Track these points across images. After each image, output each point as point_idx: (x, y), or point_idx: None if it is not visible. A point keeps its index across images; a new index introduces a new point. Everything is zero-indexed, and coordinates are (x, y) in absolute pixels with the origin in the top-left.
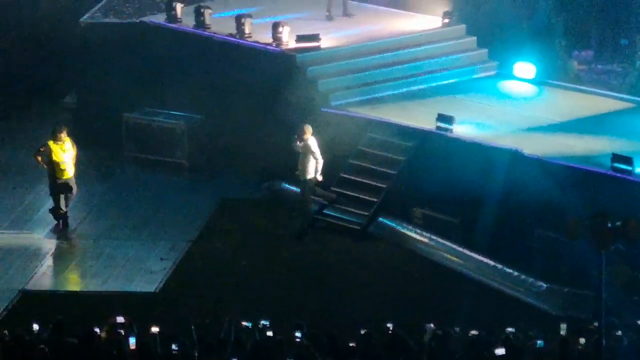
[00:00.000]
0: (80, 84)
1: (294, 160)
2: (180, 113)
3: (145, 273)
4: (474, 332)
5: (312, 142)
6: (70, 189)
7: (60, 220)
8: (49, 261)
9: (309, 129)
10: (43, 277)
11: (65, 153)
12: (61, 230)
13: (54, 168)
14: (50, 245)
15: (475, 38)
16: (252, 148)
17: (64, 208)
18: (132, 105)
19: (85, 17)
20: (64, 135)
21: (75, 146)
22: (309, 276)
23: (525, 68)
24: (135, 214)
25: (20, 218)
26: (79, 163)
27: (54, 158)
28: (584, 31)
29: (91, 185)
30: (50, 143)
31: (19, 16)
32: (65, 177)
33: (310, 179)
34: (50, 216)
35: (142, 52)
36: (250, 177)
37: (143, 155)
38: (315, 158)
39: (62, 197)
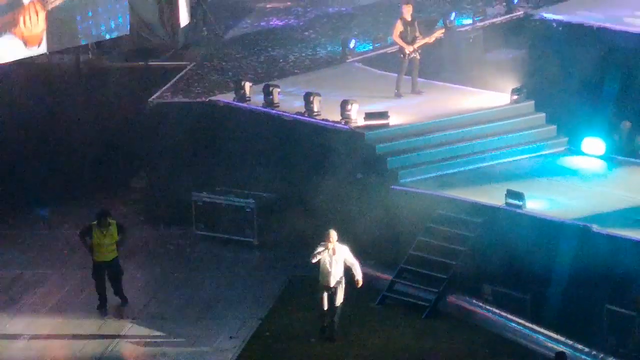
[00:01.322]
0: (150, 164)
1: (365, 238)
2: (249, 192)
3: (215, 352)
4: None
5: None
6: (115, 271)
7: (101, 303)
8: (116, 341)
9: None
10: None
11: (106, 237)
12: (101, 312)
13: (93, 250)
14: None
15: (544, 114)
16: (321, 226)
17: (104, 292)
18: (202, 184)
19: (154, 96)
20: (107, 220)
21: (123, 230)
22: (377, 353)
23: (594, 144)
24: (205, 293)
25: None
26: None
27: (94, 241)
28: None
29: (160, 264)
30: (93, 226)
31: (87, 96)
32: (104, 260)
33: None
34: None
35: (211, 131)
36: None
37: (213, 234)
38: (352, 263)
39: (105, 279)
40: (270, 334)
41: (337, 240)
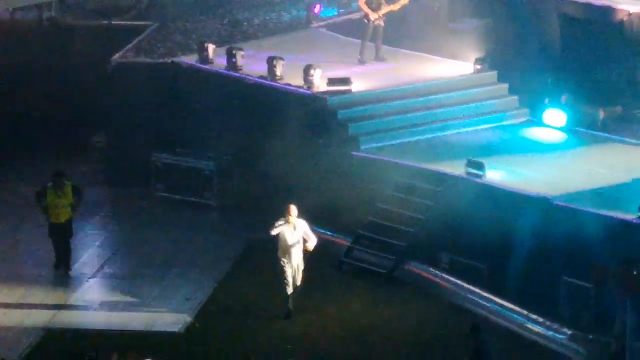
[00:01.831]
0: (110, 123)
1: (323, 203)
2: (209, 154)
3: (171, 313)
4: None
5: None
6: (66, 233)
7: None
8: (72, 299)
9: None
10: (67, 315)
11: (61, 199)
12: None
13: (48, 212)
14: (75, 283)
15: (506, 85)
16: (281, 190)
17: (60, 252)
18: (162, 145)
19: (116, 56)
20: (62, 181)
21: (78, 192)
22: (334, 319)
23: (555, 115)
24: (162, 254)
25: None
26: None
27: (49, 202)
28: (614, 81)
29: (119, 223)
30: (48, 187)
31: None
32: (59, 221)
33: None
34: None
35: (173, 92)
36: (279, 219)
37: (172, 195)
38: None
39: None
40: (226, 297)
41: (296, 215)
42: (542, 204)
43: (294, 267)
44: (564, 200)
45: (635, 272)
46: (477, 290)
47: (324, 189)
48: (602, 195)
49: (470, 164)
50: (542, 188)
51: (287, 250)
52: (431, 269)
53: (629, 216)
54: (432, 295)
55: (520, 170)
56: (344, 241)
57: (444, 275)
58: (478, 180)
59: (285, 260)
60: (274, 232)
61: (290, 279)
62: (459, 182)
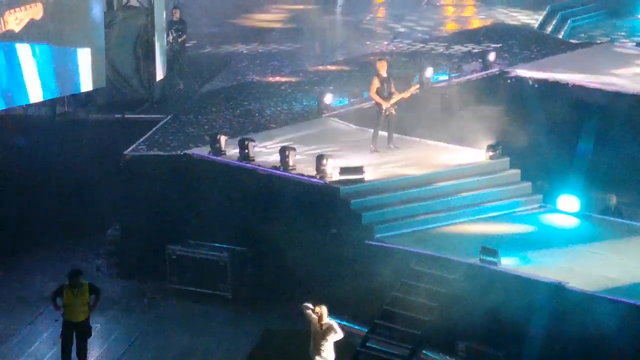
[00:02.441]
0: (124, 217)
1: (338, 292)
2: (224, 245)
3: None
4: None
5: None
6: (83, 332)
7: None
8: None
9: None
10: None
11: (77, 298)
12: None
13: (64, 310)
14: None
15: (519, 171)
16: (296, 280)
17: (70, 351)
18: (176, 237)
19: (129, 149)
20: (79, 280)
21: (95, 290)
22: None
23: (569, 201)
24: (177, 347)
25: None
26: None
27: (65, 301)
28: (626, 165)
29: (134, 317)
30: (65, 286)
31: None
32: (76, 320)
33: None
34: None
35: (186, 184)
36: (295, 309)
37: (186, 287)
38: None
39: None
40: None
41: (328, 316)
42: (555, 290)
43: None
44: (578, 285)
45: None
46: None
47: (338, 278)
48: (616, 280)
49: (485, 251)
50: (556, 274)
51: (310, 349)
52: (448, 358)
53: None
54: None
55: (534, 256)
56: (360, 331)
57: None
58: (493, 267)
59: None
60: (306, 310)
61: None
62: (474, 269)
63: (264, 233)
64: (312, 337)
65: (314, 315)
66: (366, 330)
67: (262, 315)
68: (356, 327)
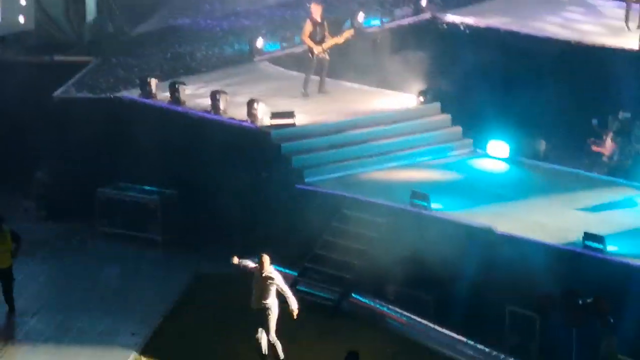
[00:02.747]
0: (54, 159)
1: (268, 236)
2: (154, 188)
3: (116, 348)
4: None
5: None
6: (6, 278)
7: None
8: (18, 336)
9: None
10: (13, 352)
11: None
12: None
13: None
14: (20, 320)
15: (449, 116)
16: (227, 224)
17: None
18: (106, 180)
19: (58, 92)
20: (1, 226)
21: (17, 238)
22: (283, 350)
23: (499, 146)
24: (106, 288)
25: None
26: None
27: None
28: (555, 110)
29: (63, 259)
30: None
31: None
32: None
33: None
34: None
35: (116, 127)
36: (225, 253)
37: (116, 230)
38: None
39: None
40: (173, 331)
41: (270, 265)
42: (486, 234)
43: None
44: (508, 229)
45: (580, 303)
46: (423, 321)
47: (268, 222)
48: (545, 225)
49: (415, 195)
50: (486, 219)
51: (252, 297)
52: (377, 301)
53: (573, 246)
54: (379, 327)
55: (464, 201)
56: (290, 274)
57: (389, 307)
58: (423, 211)
59: (253, 308)
60: (235, 261)
61: (264, 342)
62: (404, 213)
63: (194, 176)
64: (254, 285)
65: (252, 265)
66: (296, 274)
67: (192, 258)
68: (286, 270)
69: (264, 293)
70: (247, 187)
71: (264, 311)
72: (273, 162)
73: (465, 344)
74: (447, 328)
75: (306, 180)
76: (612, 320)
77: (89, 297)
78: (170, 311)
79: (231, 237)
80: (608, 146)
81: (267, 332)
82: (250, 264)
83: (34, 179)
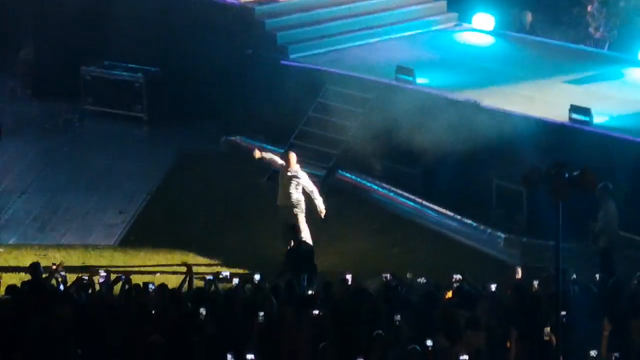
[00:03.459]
0: (38, 37)
1: (254, 113)
2: (139, 66)
3: (104, 226)
4: (424, 280)
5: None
6: None
7: None
8: (5, 216)
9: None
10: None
11: None
12: None
13: None
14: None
15: None
16: (212, 102)
17: None
18: (91, 58)
19: None
20: None
21: None
22: (268, 229)
23: (484, 19)
24: (93, 167)
25: None
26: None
27: None
28: None
29: (49, 138)
30: None
31: None
32: None
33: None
34: None
35: (101, 3)
36: (210, 131)
37: (101, 108)
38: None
39: None
40: (159, 209)
41: (296, 163)
42: (472, 108)
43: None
44: (494, 103)
45: (567, 176)
46: (410, 196)
47: (253, 99)
48: (532, 98)
49: (400, 70)
50: (472, 93)
51: (281, 199)
52: (363, 177)
53: (561, 118)
54: (365, 202)
55: (450, 74)
56: (275, 151)
57: (376, 182)
58: (409, 85)
59: (280, 206)
60: (259, 154)
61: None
62: (390, 88)
63: (179, 54)
64: (280, 182)
65: (279, 161)
66: (282, 151)
67: (178, 136)
68: (272, 147)
69: (289, 191)
70: (232, 64)
71: (290, 209)
72: (257, 38)
73: (452, 218)
74: (433, 202)
75: (291, 56)
76: (610, 186)
77: (75, 177)
78: (156, 189)
79: (216, 115)
80: (594, 18)
81: (297, 231)
82: (275, 158)
83: (18, 59)
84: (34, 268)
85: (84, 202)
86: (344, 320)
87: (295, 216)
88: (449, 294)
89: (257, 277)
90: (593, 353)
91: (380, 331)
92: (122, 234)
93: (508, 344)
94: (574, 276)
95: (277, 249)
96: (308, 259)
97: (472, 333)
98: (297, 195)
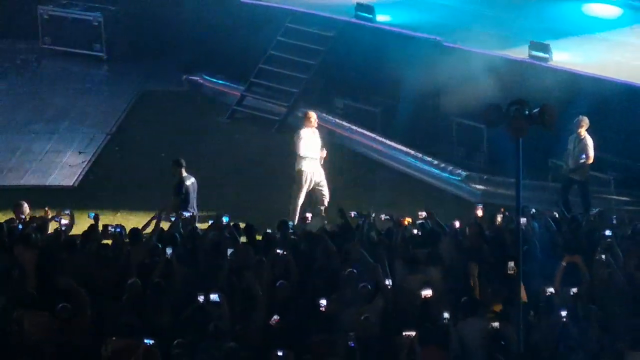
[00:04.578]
0: None
1: (213, 51)
2: (97, 5)
3: (63, 167)
4: (386, 216)
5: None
6: None
7: None
8: None
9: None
10: None
11: None
12: None
13: None
14: None
15: None
16: (172, 40)
17: None
18: None
19: None
20: None
21: None
22: (229, 167)
23: None
24: (52, 108)
25: None
26: None
27: None
28: None
29: (6, 78)
30: None
31: None
32: None
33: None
34: None
35: None
36: (170, 70)
37: (60, 47)
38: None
39: None
40: (119, 148)
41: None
42: (433, 46)
43: (315, 181)
44: (454, 41)
45: (527, 113)
46: (371, 134)
47: (213, 37)
48: (492, 35)
49: (360, 7)
50: (432, 30)
51: (312, 161)
52: (325, 115)
53: (520, 55)
54: (327, 140)
55: (410, 12)
56: (236, 90)
57: (337, 120)
58: (368, 23)
59: (308, 171)
60: (301, 148)
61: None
62: (350, 26)
63: None
64: (306, 143)
65: (304, 132)
66: (242, 89)
67: (138, 75)
68: (233, 85)
69: (318, 148)
70: (191, 1)
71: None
72: None
73: (413, 155)
74: (394, 140)
75: None
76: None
77: (34, 117)
78: (116, 129)
79: (176, 54)
80: None
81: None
82: (303, 133)
83: None
84: None
85: (43, 143)
86: (302, 259)
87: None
88: (407, 221)
89: (225, 219)
90: (550, 290)
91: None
92: (82, 174)
93: (471, 282)
94: (533, 211)
95: (236, 186)
96: None
97: (433, 269)
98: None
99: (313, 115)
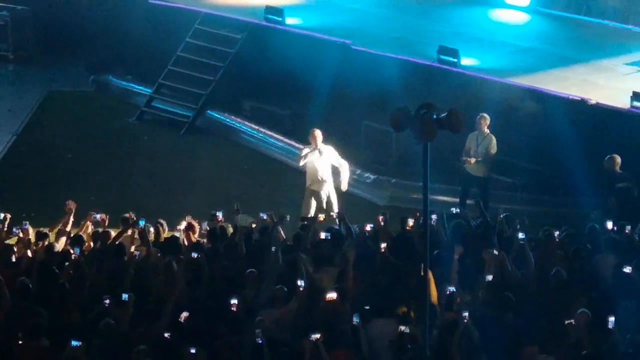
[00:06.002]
0: None
1: (121, 52)
2: (3, 4)
3: None
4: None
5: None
6: None
7: None
8: None
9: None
10: None
11: None
12: None
13: None
14: None
15: None
16: (80, 41)
17: None
18: None
19: None
20: None
21: None
22: (137, 169)
23: None
24: None
25: None
26: None
27: None
28: None
29: None
30: None
31: None
32: None
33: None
34: None
35: None
36: (78, 70)
37: None
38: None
39: None
40: (25, 149)
41: (322, 139)
42: (342, 49)
43: (321, 197)
44: (363, 45)
45: (435, 117)
46: (279, 136)
47: (122, 38)
48: (401, 39)
49: (270, 10)
50: (342, 34)
51: (315, 181)
52: (233, 117)
53: (428, 60)
54: (234, 143)
55: (319, 16)
56: (144, 92)
57: (245, 123)
58: (278, 26)
59: (314, 189)
60: (301, 162)
61: (311, 210)
62: (259, 29)
63: None
64: (310, 169)
65: (306, 149)
66: (150, 91)
67: (45, 75)
68: (140, 87)
69: (322, 168)
70: (99, 2)
71: (325, 186)
72: None
73: None
74: (302, 143)
75: None
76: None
77: None
78: (22, 129)
79: (84, 54)
80: None
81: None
82: (306, 150)
83: None
84: None
85: None
86: (217, 259)
87: (329, 192)
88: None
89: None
90: (451, 289)
91: (253, 269)
92: None
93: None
94: (455, 210)
95: (145, 188)
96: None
97: (338, 270)
98: (328, 171)
99: (316, 133)
